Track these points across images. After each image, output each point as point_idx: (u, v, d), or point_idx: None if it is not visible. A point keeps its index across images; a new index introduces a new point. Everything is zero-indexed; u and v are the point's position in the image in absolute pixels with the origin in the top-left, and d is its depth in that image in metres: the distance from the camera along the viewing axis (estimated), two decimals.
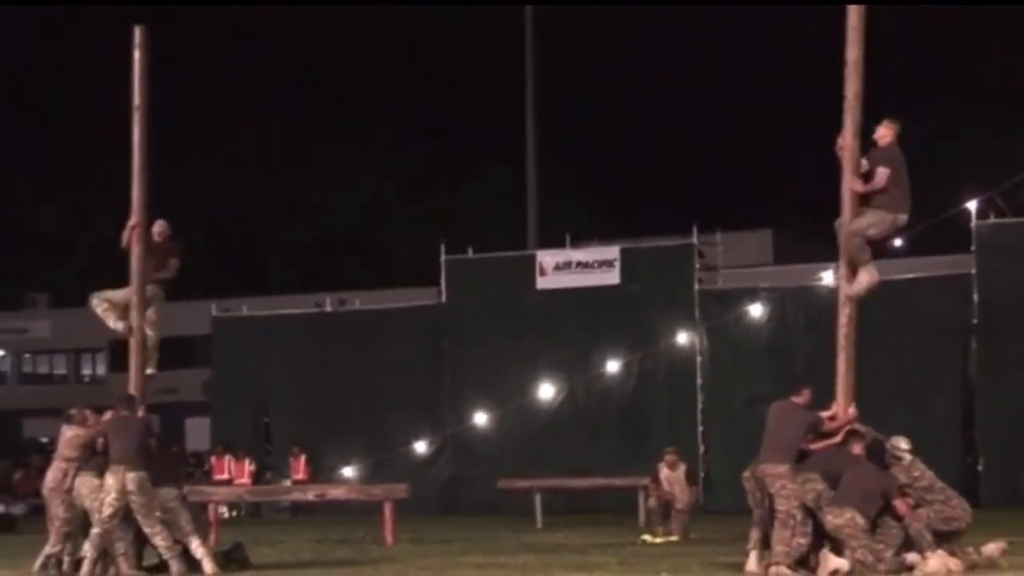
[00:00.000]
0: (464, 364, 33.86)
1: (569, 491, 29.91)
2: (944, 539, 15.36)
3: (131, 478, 17.10)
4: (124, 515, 17.23)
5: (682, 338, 31.74)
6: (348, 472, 31.38)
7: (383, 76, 79.42)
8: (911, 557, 15.12)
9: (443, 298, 34.83)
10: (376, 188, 76.48)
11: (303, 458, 32.93)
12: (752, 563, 15.78)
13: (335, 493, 27.14)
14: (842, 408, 16.00)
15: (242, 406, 36.37)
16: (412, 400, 33.93)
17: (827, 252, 16.83)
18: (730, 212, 44.67)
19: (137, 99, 18.75)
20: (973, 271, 30.84)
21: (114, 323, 18.71)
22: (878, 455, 15.68)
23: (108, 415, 17.88)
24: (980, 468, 30.10)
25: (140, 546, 17.54)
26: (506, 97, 48.55)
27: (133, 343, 18.50)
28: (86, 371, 71.21)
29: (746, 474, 16.21)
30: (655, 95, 78.20)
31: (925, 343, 30.63)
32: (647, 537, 22.46)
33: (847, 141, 16.09)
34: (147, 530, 17.26)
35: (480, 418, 32.25)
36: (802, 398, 16.11)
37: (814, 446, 15.83)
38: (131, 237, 18.64)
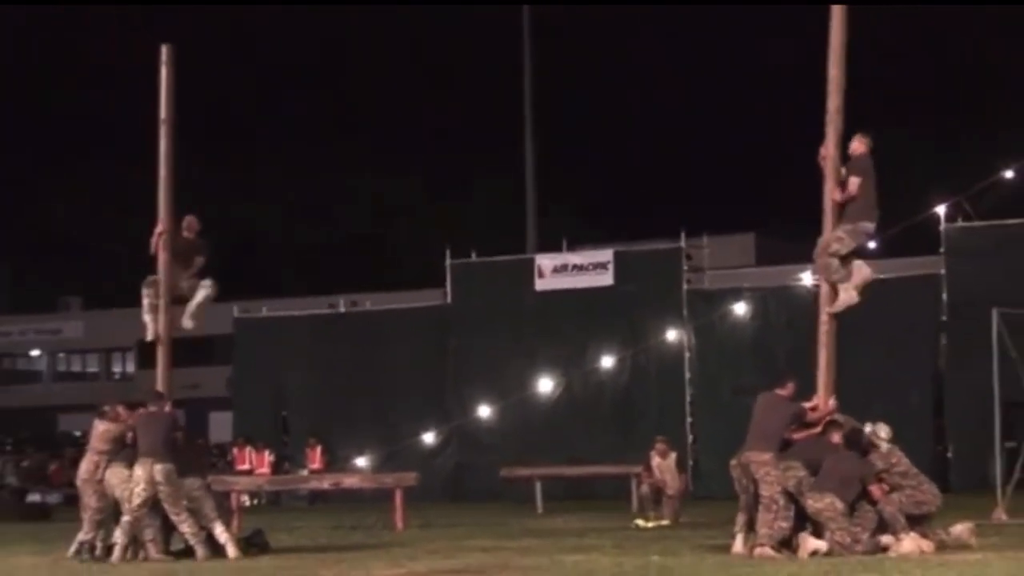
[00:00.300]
0: (468, 360, 33.85)
1: (567, 478, 29.90)
2: (915, 522, 15.36)
3: (159, 469, 17.11)
4: (152, 503, 17.25)
5: (671, 335, 31.74)
6: (361, 462, 31.32)
7: (394, 94, 79.44)
8: (886, 539, 15.12)
9: (448, 299, 34.83)
10: (386, 197, 76.53)
11: (319, 449, 32.88)
12: (738, 545, 15.79)
13: (349, 482, 27.13)
14: (822, 400, 16.02)
15: (262, 401, 36.39)
16: (420, 394, 33.93)
17: (806, 254, 16.83)
18: (715, 217, 44.57)
19: (164, 113, 18.80)
20: (942, 272, 30.83)
21: (149, 322, 18.72)
22: (856, 443, 15.70)
23: (140, 412, 17.91)
24: (950, 455, 30.10)
25: (167, 532, 17.54)
26: (506, 112, 48.53)
27: (162, 347, 18.50)
28: (116, 369, 71.26)
29: (733, 462, 16.22)
30: (646, 109, 78.28)
31: (898, 339, 30.64)
32: (640, 521, 22.43)
33: (829, 151, 16.15)
34: (174, 517, 17.27)
35: (483, 411, 32.22)
36: (786, 390, 16.14)
37: (796, 435, 15.85)
38: (158, 243, 18.69)
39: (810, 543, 15.04)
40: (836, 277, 16.12)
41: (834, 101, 16.08)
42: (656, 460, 23.60)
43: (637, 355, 32.06)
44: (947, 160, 52.27)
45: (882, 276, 30.49)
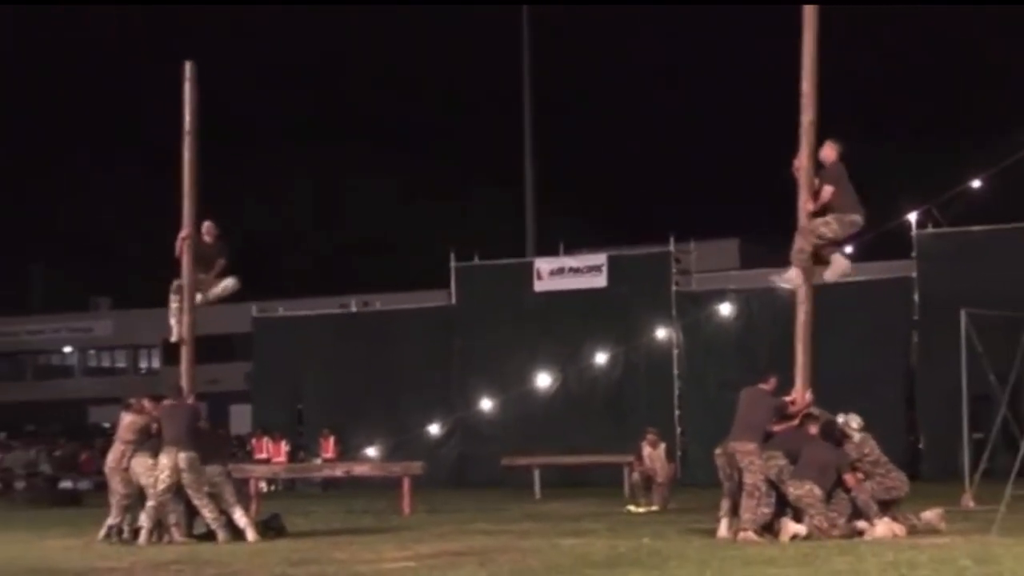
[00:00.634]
0: (471, 357, 33.83)
1: (564, 467, 29.87)
2: (886, 506, 15.38)
3: (182, 458, 17.13)
4: (176, 490, 17.25)
5: (661, 334, 31.73)
6: (371, 451, 31.34)
7: (401, 106, 79.44)
8: (861, 524, 15.13)
9: (453, 300, 34.82)
10: (394, 204, 76.55)
11: (332, 439, 32.87)
12: (723, 529, 15.79)
13: (360, 470, 27.13)
14: (800, 394, 16.02)
15: (279, 395, 36.38)
16: (426, 388, 33.89)
17: (787, 258, 16.80)
18: (702, 224, 44.54)
19: (187, 125, 18.78)
20: (914, 275, 30.84)
21: (174, 324, 18.66)
22: (831, 435, 15.71)
23: (163, 404, 17.92)
24: (921, 446, 30.08)
25: (190, 517, 17.54)
26: (506, 124, 48.53)
27: (185, 344, 18.48)
28: (143, 364, 71.23)
29: (718, 451, 16.22)
30: (638, 123, 78.30)
31: (873, 337, 30.63)
32: (631, 507, 22.44)
33: (802, 162, 16.14)
34: (196, 503, 17.28)
35: (485, 404, 32.22)
36: (768, 385, 16.15)
37: (776, 427, 15.85)
38: (182, 247, 18.67)
39: (790, 527, 15.04)
40: (801, 258, 16.09)
41: (807, 115, 16.07)
42: (647, 450, 23.59)
43: (629, 352, 32.07)
44: (918, 171, 52.23)
45: (857, 278, 30.77)
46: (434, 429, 32.47)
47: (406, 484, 23.38)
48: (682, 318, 32.09)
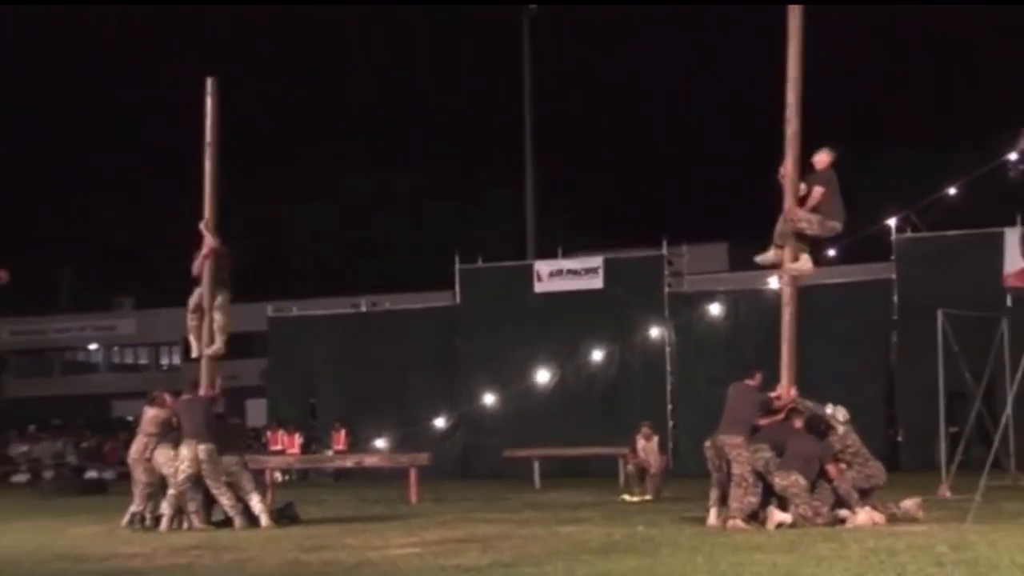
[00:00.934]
0: (475, 354, 33.81)
1: (562, 459, 29.83)
2: (865, 494, 15.37)
3: (201, 449, 17.14)
4: (195, 479, 17.25)
5: (654, 333, 31.71)
6: (380, 444, 31.31)
7: (406, 113, 79.36)
8: (843, 512, 15.12)
9: (457, 300, 34.79)
10: (402, 209, 76.50)
11: (343, 432, 32.88)
12: (712, 517, 15.77)
13: (369, 461, 27.11)
14: (785, 390, 16.00)
15: (293, 389, 36.38)
16: (432, 384, 33.88)
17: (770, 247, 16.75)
18: (693, 228, 44.52)
19: (209, 137, 18.68)
20: (893, 277, 30.83)
21: (193, 341, 18.49)
22: (815, 428, 15.70)
23: (181, 399, 17.92)
24: (900, 439, 30.06)
25: (209, 505, 17.54)
26: (508, 134, 48.52)
27: (203, 343, 18.39)
28: (164, 361, 71.20)
29: (707, 444, 16.20)
30: (633, 131, 78.27)
31: (854, 336, 30.61)
32: (626, 496, 22.42)
33: (788, 170, 16.11)
34: (214, 492, 17.28)
35: (488, 399, 32.20)
36: (755, 381, 16.15)
37: (763, 421, 15.84)
38: (203, 265, 18.45)
39: (776, 516, 15.03)
40: (782, 242, 16.09)
41: (792, 126, 16.04)
42: (641, 443, 23.57)
43: (624, 350, 32.05)
44: (897, 178, 52.20)
45: (839, 280, 30.83)
46: (439, 422, 32.44)
47: (413, 475, 23.36)
48: (674, 318, 32.08)
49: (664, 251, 32.94)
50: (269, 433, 35.06)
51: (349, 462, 27.87)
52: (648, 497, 22.30)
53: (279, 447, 33.34)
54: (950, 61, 72.36)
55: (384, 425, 32.27)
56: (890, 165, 60.00)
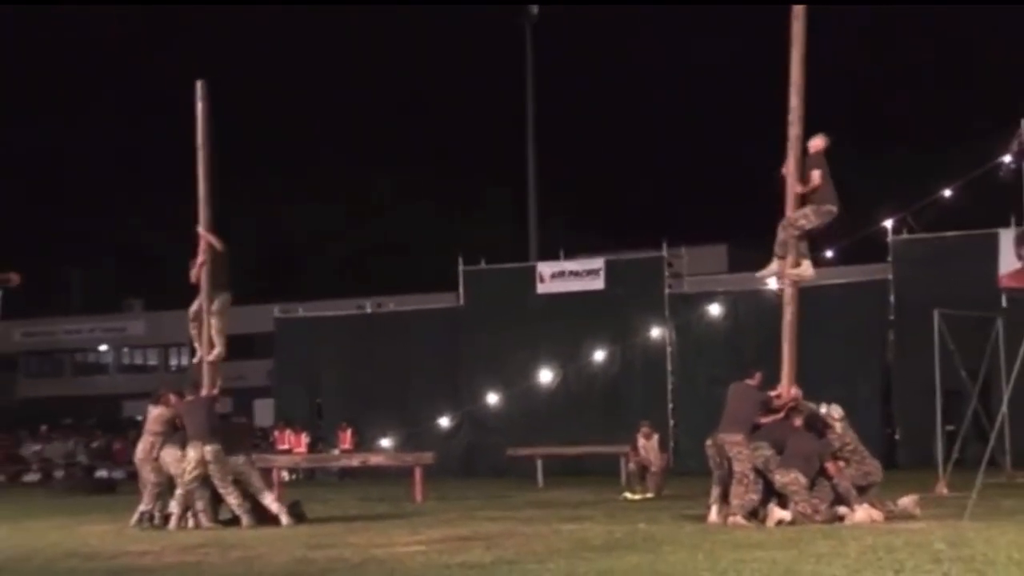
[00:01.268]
0: (478, 354, 33.80)
1: (564, 457, 29.81)
2: (862, 491, 15.33)
3: (208, 450, 17.11)
4: (202, 479, 17.22)
5: (655, 333, 31.70)
6: (385, 443, 31.32)
7: (410, 118, 79.41)
8: (842, 509, 15.08)
9: (461, 301, 34.78)
10: (407, 212, 76.52)
11: (349, 432, 32.85)
12: (713, 515, 15.72)
13: (375, 460, 27.07)
14: (785, 389, 15.95)
15: (299, 390, 36.37)
16: (436, 384, 33.87)
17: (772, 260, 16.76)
18: (693, 230, 44.58)
19: (200, 140, 18.39)
20: (890, 277, 30.81)
21: (197, 345, 18.43)
22: (814, 426, 15.65)
23: (184, 400, 17.87)
24: (897, 437, 30.04)
25: (216, 504, 17.51)
26: (511, 138, 48.54)
27: (202, 340, 18.29)
28: (173, 362, 71.21)
29: (708, 442, 16.14)
30: (633, 135, 78.31)
31: (852, 336, 30.61)
32: (627, 494, 22.37)
33: (790, 175, 16.07)
34: (221, 491, 17.25)
35: (491, 398, 32.19)
36: (754, 380, 16.10)
37: (763, 420, 15.80)
38: (199, 273, 18.37)
39: (776, 513, 14.99)
40: (783, 252, 16.06)
41: (794, 129, 16.00)
42: (642, 441, 23.53)
43: (625, 350, 32.03)
44: (893, 180, 52.19)
45: (837, 281, 30.81)
46: (444, 422, 32.44)
47: (418, 473, 23.32)
48: (674, 318, 32.07)
49: (664, 253, 32.92)
50: (276, 433, 35.04)
51: (355, 461, 27.85)
52: (649, 495, 22.26)
53: (286, 446, 33.32)
54: (947, 62, 72.41)
55: (389, 424, 32.28)
56: (886, 167, 60.00)
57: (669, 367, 32.18)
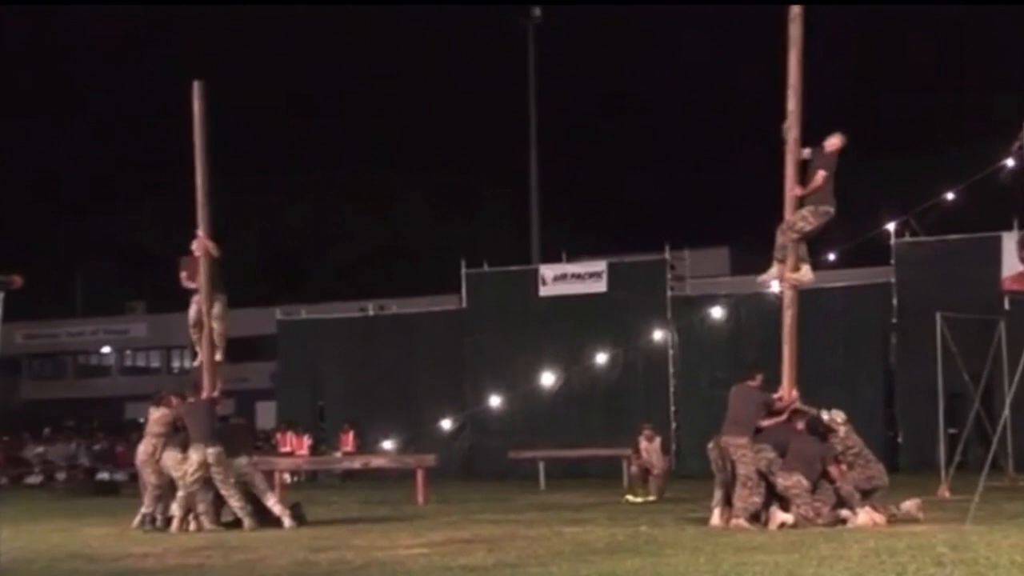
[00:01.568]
0: (481, 357, 33.79)
1: (566, 460, 29.81)
2: (866, 495, 15.33)
3: (210, 453, 17.11)
4: (204, 481, 17.22)
5: (657, 335, 31.64)
6: (387, 445, 31.25)
7: (412, 121, 79.47)
8: (844, 513, 15.08)
9: (464, 304, 34.77)
10: (410, 215, 76.58)
11: (351, 434, 32.83)
12: (715, 518, 15.71)
13: (377, 462, 27.04)
14: (787, 391, 15.95)
15: (302, 392, 36.35)
16: (439, 386, 33.86)
17: (772, 264, 16.75)
18: (695, 233, 44.51)
19: (197, 141, 18.36)
20: (893, 280, 30.77)
21: (199, 349, 18.41)
22: (816, 430, 15.65)
23: (186, 402, 17.87)
24: (899, 440, 30.00)
25: (218, 506, 17.50)
26: (513, 140, 48.53)
27: (204, 345, 18.28)
28: (175, 364, 71.21)
29: (710, 445, 16.13)
30: (635, 134, 78.34)
31: (854, 338, 30.59)
32: (629, 497, 22.34)
33: (788, 173, 16.06)
34: (224, 493, 17.25)
35: (494, 400, 32.13)
36: (756, 382, 16.10)
37: (765, 423, 15.79)
38: (190, 275, 18.29)
39: (779, 516, 14.98)
40: (782, 256, 16.06)
41: (793, 133, 16.00)
42: (644, 444, 23.51)
43: (627, 352, 31.99)
44: (896, 183, 52.18)
45: (839, 284, 30.80)
46: (446, 424, 32.38)
47: (420, 476, 23.30)
48: (677, 321, 32.05)
49: (667, 255, 32.89)
50: (278, 435, 35.02)
51: (357, 463, 27.84)
52: (651, 498, 22.23)
53: (288, 449, 33.29)
54: (948, 64, 72.40)
55: (391, 427, 32.22)
56: (889, 169, 59.96)
57: (671, 369, 32.17)
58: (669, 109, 79.51)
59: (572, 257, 35.11)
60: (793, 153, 15.97)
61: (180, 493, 17.25)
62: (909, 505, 15.60)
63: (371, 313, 38.53)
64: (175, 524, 17.19)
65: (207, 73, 18.74)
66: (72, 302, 77.60)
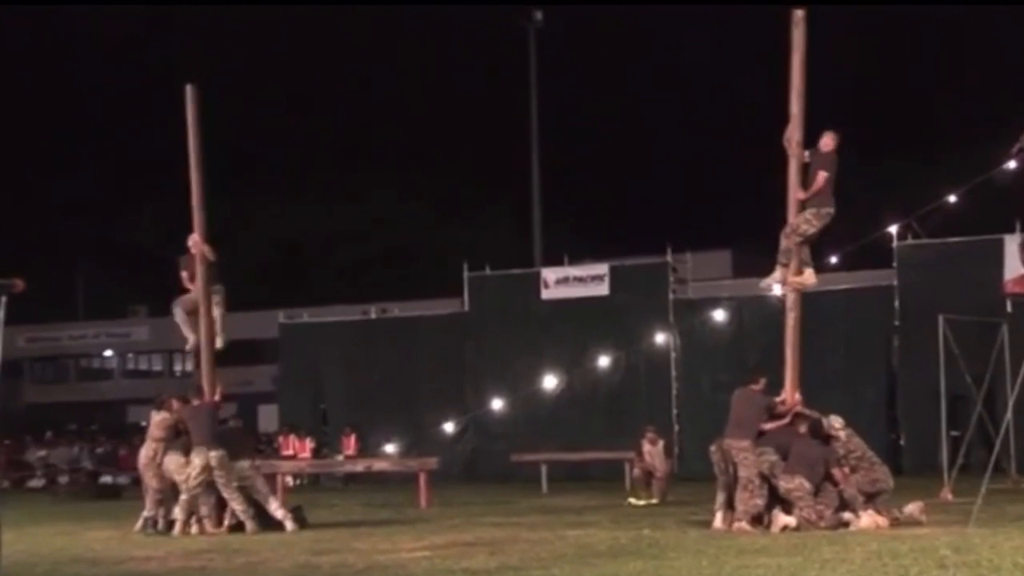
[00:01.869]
0: (483, 360, 33.77)
1: (568, 463, 29.77)
2: (870, 498, 15.31)
3: (213, 456, 17.10)
4: (207, 484, 17.21)
5: (659, 338, 31.59)
6: (389, 448, 31.19)
7: (414, 124, 79.50)
8: (847, 515, 15.06)
9: (466, 307, 34.76)
10: (411, 219, 76.61)
11: (353, 437, 32.83)
12: (718, 520, 15.71)
13: (379, 465, 27.04)
14: (789, 394, 15.94)
15: (304, 395, 36.33)
16: (441, 389, 33.82)
17: (775, 269, 16.76)
18: (697, 236, 44.52)
19: (191, 146, 18.34)
20: (895, 283, 30.75)
21: (187, 334, 18.48)
22: (819, 433, 15.65)
23: (188, 405, 17.87)
24: (902, 443, 29.97)
25: (221, 509, 17.50)
26: (515, 144, 48.55)
27: (204, 349, 18.29)
28: (177, 367, 71.31)
29: (713, 448, 16.13)
30: (637, 137, 78.38)
31: (856, 341, 30.56)
32: (632, 500, 22.32)
33: (791, 176, 16.06)
34: (226, 497, 17.24)
35: (496, 403, 32.04)
36: (759, 385, 16.09)
37: (767, 426, 15.78)
38: (190, 276, 18.37)
39: (781, 519, 14.97)
40: (786, 260, 16.07)
41: (796, 136, 16.00)
42: (646, 447, 23.49)
43: (630, 355, 31.91)
44: (898, 186, 52.17)
45: (842, 287, 30.78)
46: (448, 427, 32.32)
47: (422, 479, 23.28)
48: (679, 324, 32.01)
49: (669, 258, 32.86)
50: (281, 438, 35.02)
51: (359, 467, 27.83)
52: (654, 501, 22.21)
53: (291, 452, 33.30)
54: (949, 65, 72.37)
55: (393, 430, 32.19)
56: (891, 172, 59.97)
57: (673, 372, 32.13)
58: (671, 112, 79.54)
59: (574, 260, 35.09)
60: (796, 157, 15.98)
61: (183, 497, 17.25)
62: (912, 508, 15.59)
63: (373, 316, 38.53)
64: (177, 528, 17.19)
65: (208, 74, 18.77)
66: (74, 305, 77.68)
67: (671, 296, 32.46)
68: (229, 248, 18.59)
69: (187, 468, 17.20)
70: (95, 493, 30.68)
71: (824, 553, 12.14)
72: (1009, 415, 17.07)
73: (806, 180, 16.01)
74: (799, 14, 15.95)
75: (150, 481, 17.75)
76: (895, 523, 15.09)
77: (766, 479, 15.28)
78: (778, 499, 15.23)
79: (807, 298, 16.60)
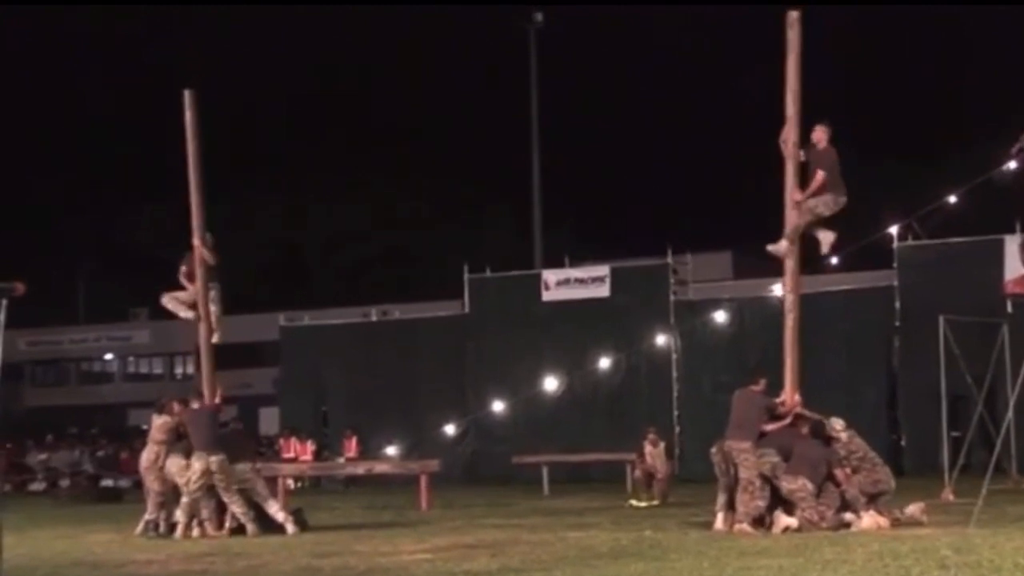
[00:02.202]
0: (484, 362, 33.78)
1: (570, 464, 29.77)
2: (872, 499, 15.31)
3: (213, 460, 17.11)
4: (207, 487, 17.22)
5: (660, 340, 31.62)
6: (390, 450, 31.21)
7: (415, 126, 79.45)
8: (848, 516, 15.06)
9: (466, 309, 34.78)
10: (412, 220, 76.59)
11: (354, 439, 32.83)
12: (719, 522, 15.70)
13: (380, 468, 27.05)
14: (789, 395, 15.94)
15: (305, 398, 36.35)
16: (442, 391, 33.84)
17: (776, 269, 16.78)
18: (698, 237, 44.51)
19: (190, 150, 18.40)
20: (895, 283, 30.76)
21: (184, 313, 18.62)
22: (820, 434, 15.65)
23: (188, 408, 17.88)
24: (903, 443, 29.97)
25: (222, 512, 17.50)
26: (516, 146, 48.55)
27: (203, 352, 18.33)
28: (178, 370, 71.31)
29: (714, 449, 16.12)
30: (637, 139, 78.36)
31: (857, 342, 30.56)
32: (633, 501, 22.33)
33: (788, 177, 16.07)
34: (227, 500, 17.25)
35: (497, 405, 32.07)
36: (759, 386, 16.08)
37: (768, 427, 15.78)
38: (190, 275, 18.46)
39: (782, 520, 14.97)
40: (793, 237, 16.06)
41: (792, 137, 16.01)
42: (647, 448, 23.50)
43: (630, 357, 31.93)
44: (898, 186, 52.18)
45: (842, 287, 30.79)
46: (449, 429, 32.32)
47: (423, 481, 23.29)
48: (680, 325, 32.02)
49: (669, 260, 32.87)
50: (282, 441, 35.01)
51: (360, 469, 27.83)
52: (655, 502, 22.21)
53: (292, 455, 33.29)
54: (950, 68, 72.36)
55: (394, 432, 32.22)
56: (891, 173, 59.96)
57: (674, 374, 32.14)
58: (671, 113, 79.45)
59: (575, 262, 35.10)
60: (792, 158, 15.99)
61: (184, 500, 17.26)
62: (913, 508, 15.59)
63: (374, 318, 38.55)
64: (179, 531, 17.21)
65: (208, 74, 18.83)
66: (75, 309, 77.69)
67: (672, 297, 32.47)
68: (229, 248, 18.59)
69: (188, 471, 17.21)
70: (96, 496, 30.68)
71: (825, 554, 12.14)
72: (1010, 415, 17.08)
73: (805, 180, 16.03)
74: (794, 15, 15.94)
75: (152, 484, 17.76)
76: (896, 524, 15.09)
77: (767, 480, 15.28)
78: (780, 500, 15.22)
79: (807, 299, 16.62)
